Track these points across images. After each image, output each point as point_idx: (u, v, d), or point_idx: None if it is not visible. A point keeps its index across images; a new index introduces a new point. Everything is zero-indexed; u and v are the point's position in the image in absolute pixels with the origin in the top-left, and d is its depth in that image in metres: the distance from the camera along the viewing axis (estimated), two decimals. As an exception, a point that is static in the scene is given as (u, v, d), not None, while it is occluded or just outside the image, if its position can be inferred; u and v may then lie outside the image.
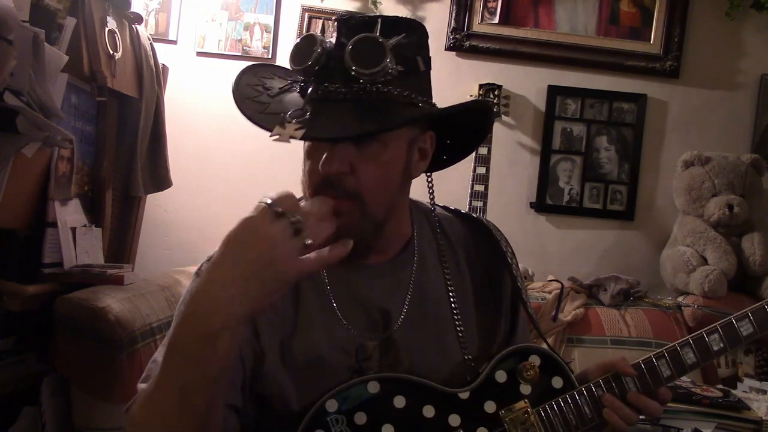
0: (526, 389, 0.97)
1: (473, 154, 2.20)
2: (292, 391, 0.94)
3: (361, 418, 0.91)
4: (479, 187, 2.20)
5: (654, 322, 2.18)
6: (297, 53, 0.90)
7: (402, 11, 2.58)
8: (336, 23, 0.91)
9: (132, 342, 1.56)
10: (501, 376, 0.98)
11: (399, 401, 0.93)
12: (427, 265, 1.04)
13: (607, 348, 2.08)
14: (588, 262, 2.57)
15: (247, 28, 2.57)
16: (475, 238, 1.11)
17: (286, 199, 0.77)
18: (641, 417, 0.99)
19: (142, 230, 2.28)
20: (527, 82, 2.59)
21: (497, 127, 2.41)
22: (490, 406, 0.96)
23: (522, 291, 1.10)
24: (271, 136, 0.81)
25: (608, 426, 0.98)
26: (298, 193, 1.10)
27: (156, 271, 2.11)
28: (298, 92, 0.91)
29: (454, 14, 2.56)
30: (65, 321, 1.52)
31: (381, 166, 0.91)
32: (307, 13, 2.57)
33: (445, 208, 1.15)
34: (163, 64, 2.29)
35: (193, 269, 2.33)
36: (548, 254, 2.56)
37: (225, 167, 2.57)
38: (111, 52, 1.84)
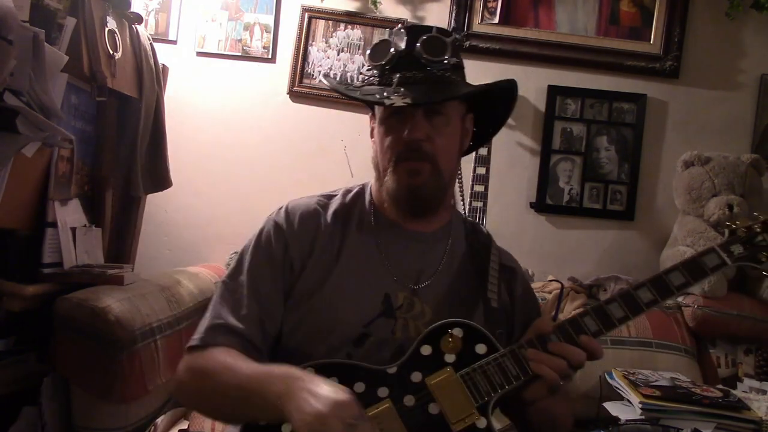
0: (450, 358, 1.05)
1: (473, 154, 2.21)
2: (325, 306, 1.12)
3: None
4: (479, 188, 2.20)
5: (654, 322, 2.18)
6: (377, 53, 1.16)
7: (402, 11, 2.58)
8: (404, 30, 1.16)
9: (132, 342, 1.56)
10: (426, 350, 1.06)
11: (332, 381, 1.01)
12: (455, 249, 1.23)
13: (608, 348, 2.07)
14: (588, 262, 2.57)
15: (247, 28, 2.57)
16: (479, 242, 1.29)
17: None
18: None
19: (142, 230, 2.28)
20: (527, 82, 2.59)
21: (497, 127, 2.41)
22: (416, 377, 1.04)
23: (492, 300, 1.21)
24: (387, 103, 1.07)
25: (543, 381, 1.03)
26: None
27: (156, 271, 2.11)
28: (376, 84, 1.15)
29: (454, 14, 2.56)
30: (65, 321, 1.52)
31: (447, 136, 1.16)
32: (307, 13, 2.57)
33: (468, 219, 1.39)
34: (163, 64, 2.29)
35: (194, 269, 2.33)
36: (548, 254, 2.56)
37: (225, 167, 2.57)
38: (111, 52, 1.84)
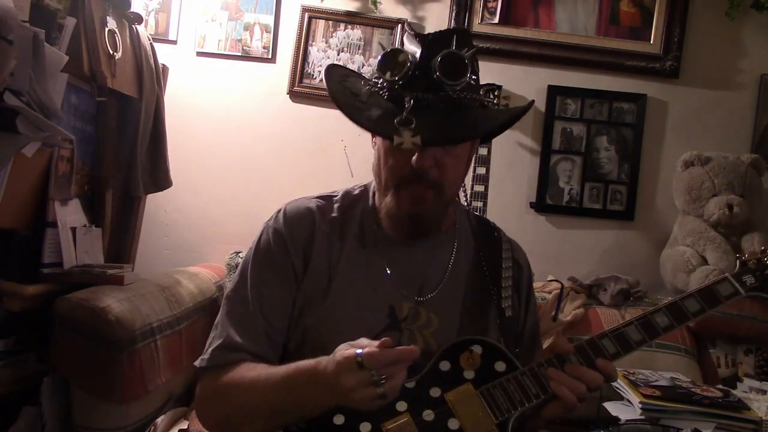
0: (469, 374, 1.04)
1: (473, 154, 2.20)
2: (327, 320, 1.09)
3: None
4: (479, 188, 2.20)
5: (654, 322, 2.17)
6: (389, 65, 1.04)
7: (402, 11, 2.58)
8: (417, 39, 1.06)
9: (132, 342, 1.56)
10: (445, 366, 1.05)
11: None
12: (462, 252, 1.20)
13: (607, 348, 2.07)
14: (588, 262, 2.57)
15: (247, 28, 2.57)
16: (489, 241, 1.25)
17: (371, 357, 0.90)
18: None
19: (142, 230, 2.28)
20: (527, 82, 2.59)
21: (497, 127, 2.41)
22: (435, 392, 1.03)
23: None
24: (395, 143, 0.97)
25: (559, 402, 1.02)
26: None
27: (156, 271, 2.11)
28: (386, 96, 1.05)
29: (454, 14, 2.56)
30: (65, 321, 1.52)
31: (457, 159, 1.11)
32: (307, 13, 2.57)
33: (474, 214, 1.33)
34: (163, 64, 2.29)
35: (193, 269, 2.34)
36: (548, 254, 2.56)
37: (225, 167, 2.57)
38: (111, 52, 1.84)
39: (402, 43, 1.10)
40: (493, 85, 2.41)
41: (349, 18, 2.57)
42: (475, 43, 2.64)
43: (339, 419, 0.98)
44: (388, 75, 1.04)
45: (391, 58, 1.04)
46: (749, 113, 2.60)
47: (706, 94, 2.61)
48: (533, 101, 1.20)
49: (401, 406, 1.00)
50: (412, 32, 1.08)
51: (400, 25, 2.53)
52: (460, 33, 1.07)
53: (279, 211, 1.19)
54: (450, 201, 1.15)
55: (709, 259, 2.30)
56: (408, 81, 1.02)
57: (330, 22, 2.58)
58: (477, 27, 2.57)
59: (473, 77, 1.07)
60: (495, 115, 1.11)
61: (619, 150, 2.60)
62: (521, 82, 2.58)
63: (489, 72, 2.53)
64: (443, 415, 1.00)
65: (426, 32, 1.12)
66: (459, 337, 1.08)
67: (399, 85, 1.03)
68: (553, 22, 2.60)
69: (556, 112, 2.58)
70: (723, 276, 1.14)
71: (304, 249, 1.14)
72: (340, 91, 1.09)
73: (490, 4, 2.58)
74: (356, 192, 1.24)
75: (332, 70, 1.15)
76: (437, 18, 2.56)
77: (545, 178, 2.58)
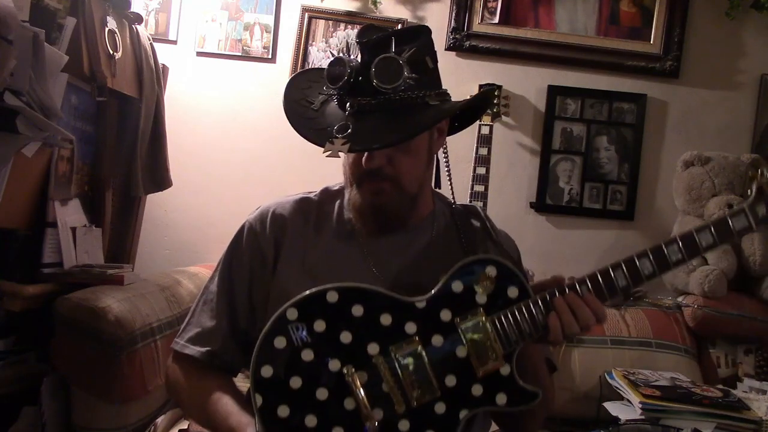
0: (481, 299, 1.03)
1: (473, 154, 2.21)
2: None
3: (320, 325, 0.99)
4: (479, 188, 2.20)
5: (654, 322, 2.18)
6: (331, 75, 1.08)
7: (402, 11, 2.58)
8: (358, 45, 1.09)
9: (132, 342, 1.56)
10: (457, 287, 1.03)
11: (357, 310, 1.00)
12: (441, 241, 1.21)
13: (607, 348, 2.07)
14: (588, 262, 2.57)
15: (247, 28, 2.57)
16: (471, 230, 1.25)
17: None
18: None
19: (142, 230, 2.28)
20: (527, 82, 2.59)
21: (497, 128, 2.40)
22: (445, 315, 1.02)
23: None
24: (323, 153, 1.01)
25: (550, 335, 1.01)
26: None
27: (156, 271, 2.12)
28: (336, 104, 1.10)
29: (454, 14, 2.56)
30: (65, 321, 1.52)
31: (411, 154, 1.12)
32: (307, 13, 2.57)
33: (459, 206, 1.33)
34: (163, 64, 2.29)
35: (193, 269, 2.34)
36: (548, 254, 2.55)
37: (225, 167, 2.57)
38: (111, 52, 1.85)
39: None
40: (493, 85, 2.42)
41: (349, 18, 2.57)
42: (474, 43, 2.61)
43: (346, 337, 0.98)
44: (332, 84, 1.08)
45: (333, 69, 1.09)
46: (749, 113, 2.60)
47: (706, 94, 2.61)
48: (482, 93, 1.21)
49: (410, 328, 1.00)
50: (358, 40, 1.10)
51: (400, 25, 2.54)
52: (401, 34, 1.09)
53: (257, 208, 1.24)
54: (414, 193, 1.16)
55: (709, 259, 2.29)
56: (351, 88, 1.07)
57: (330, 22, 2.58)
58: (477, 27, 2.57)
59: (414, 76, 1.06)
60: (434, 113, 1.09)
61: (619, 150, 2.60)
62: (521, 82, 2.58)
63: (489, 72, 2.54)
64: (452, 341, 1.01)
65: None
66: (474, 255, 1.08)
67: (343, 92, 1.07)
68: (553, 22, 2.60)
69: (556, 112, 2.58)
70: (741, 208, 1.05)
71: (275, 244, 1.18)
72: (294, 101, 1.15)
73: (490, 4, 2.58)
74: (335, 188, 1.28)
75: (295, 80, 1.19)
76: (437, 18, 2.56)
77: (545, 178, 2.58)
